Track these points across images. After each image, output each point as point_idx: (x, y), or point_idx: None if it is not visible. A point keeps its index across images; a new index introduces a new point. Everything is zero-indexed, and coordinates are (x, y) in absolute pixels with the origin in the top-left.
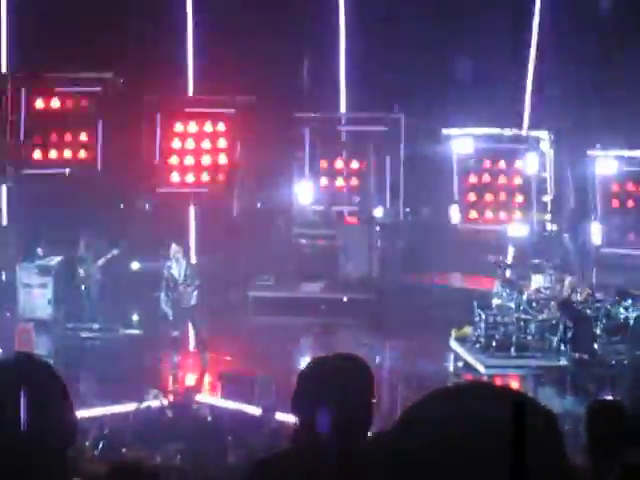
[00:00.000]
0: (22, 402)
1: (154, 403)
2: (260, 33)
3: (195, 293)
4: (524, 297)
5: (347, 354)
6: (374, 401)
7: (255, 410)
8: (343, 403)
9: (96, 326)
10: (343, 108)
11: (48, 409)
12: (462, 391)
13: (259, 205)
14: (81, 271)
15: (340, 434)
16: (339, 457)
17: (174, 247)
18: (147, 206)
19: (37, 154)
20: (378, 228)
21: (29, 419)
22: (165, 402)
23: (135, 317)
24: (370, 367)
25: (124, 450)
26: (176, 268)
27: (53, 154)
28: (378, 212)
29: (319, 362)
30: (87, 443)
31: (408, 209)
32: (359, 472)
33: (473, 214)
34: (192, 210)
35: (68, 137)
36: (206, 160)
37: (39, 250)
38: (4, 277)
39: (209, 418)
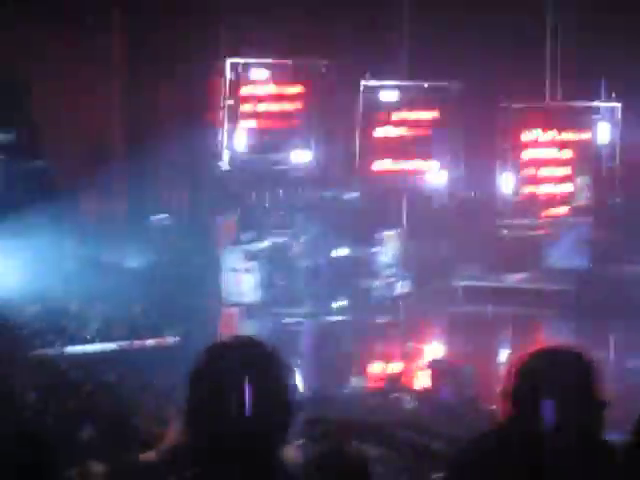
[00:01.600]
0: (247, 384)
1: (358, 390)
2: (467, 16)
3: (406, 282)
4: None
5: (568, 347)
6: (606, 399)
7: (458, 399)
8: (570, 399)
9: (302, 311)
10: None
11: (272, 391)
12: None
13: (473, 194)
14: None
15: (564, 432)
16: (559, 456)
17: (387, 234)
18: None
19: (248, 140)
20: (586, 218)
21: (254, 401)
22: (369, 389)
23: (341, 303)
24: (594, 362)
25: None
26: (387, 255)
27: (264, 139)
28: (586, 201)
29: (540, 354)
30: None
31: (618, 199)
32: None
33: None
34: (399, 199)
35: (279, 123)
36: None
37: (246, 235)
38: (211, 261)
39: (411, 406)
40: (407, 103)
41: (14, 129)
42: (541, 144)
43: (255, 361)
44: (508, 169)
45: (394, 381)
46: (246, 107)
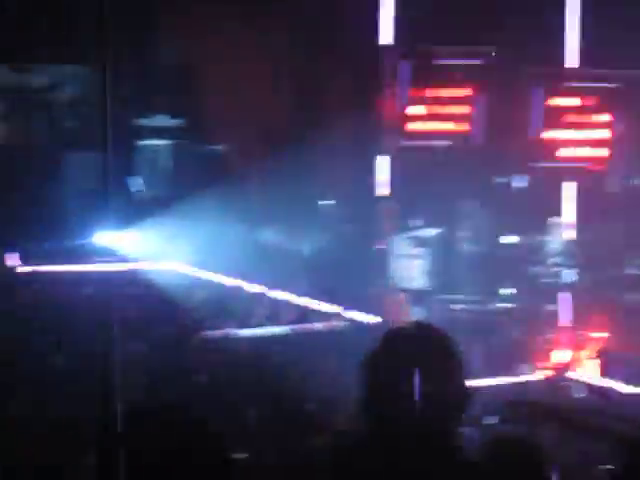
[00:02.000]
0: (424, 368)
1: (529, 378)
2: None
3: (575, 269)
4: None
5: None
6: None
7: (632, 389)
8: None
9: (470, 298)
10: None
11: (448, 375)
12: None
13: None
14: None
15: None
16: None
17: (557, 220)
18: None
19: (415, 125)
20: None
21: (431, 384)
22: (538, 378)
23: (509, 290)
24: None
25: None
26: (557, 242)
27: (432, 126)
28: None
29: None
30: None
31: None
32: None
33: None
34: (569, 186)
35: (447, 109)
36: (587, 135)
37: (416, 221)
38: (382, 247)
39: (581, 395)
40: (576, 90)
41: (185, 113)
42: None
43: (431, 345)
44: None
45: (564, 369)
46: (413, 93)
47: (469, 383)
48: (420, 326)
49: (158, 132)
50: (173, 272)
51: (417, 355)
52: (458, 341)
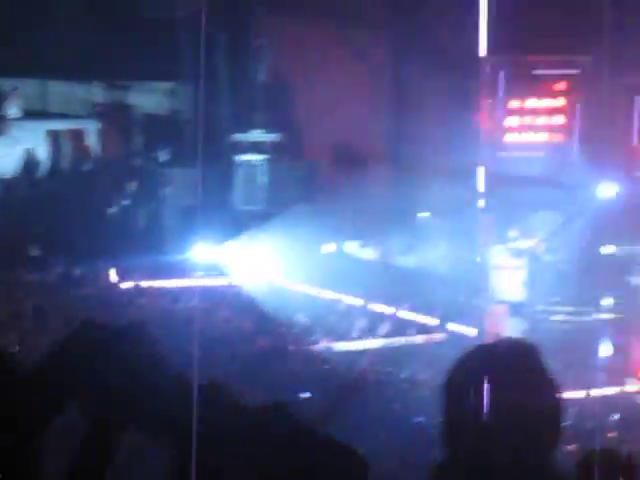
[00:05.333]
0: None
1: (632, 389)
2: None
3: None
4: None
5: None
6: None
7: None
8: None
9: (568, 309)
10: None
11: (543, 392)
12: None
13: None
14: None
15: None
16: None
17: None
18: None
19: (510, 137)
20: None
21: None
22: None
23: (609, 300)
24: None
25: None
26: None
27: (527, 137)
28: None
29: None
30: None
31: None
32: None
33: None
34: None
35: (542, 120)
36: None
37: (513, 233)
38: (479, 259)
39: None
40: None
41: (280, 128)
42: None
43: (516, 362)
44: None
45: None
46: (510, 104)
47: (563, 397)
48: (508, 343)
49: (254, 147)
50: (269, 286)
51: (500, 372)
52: (554, 353)
